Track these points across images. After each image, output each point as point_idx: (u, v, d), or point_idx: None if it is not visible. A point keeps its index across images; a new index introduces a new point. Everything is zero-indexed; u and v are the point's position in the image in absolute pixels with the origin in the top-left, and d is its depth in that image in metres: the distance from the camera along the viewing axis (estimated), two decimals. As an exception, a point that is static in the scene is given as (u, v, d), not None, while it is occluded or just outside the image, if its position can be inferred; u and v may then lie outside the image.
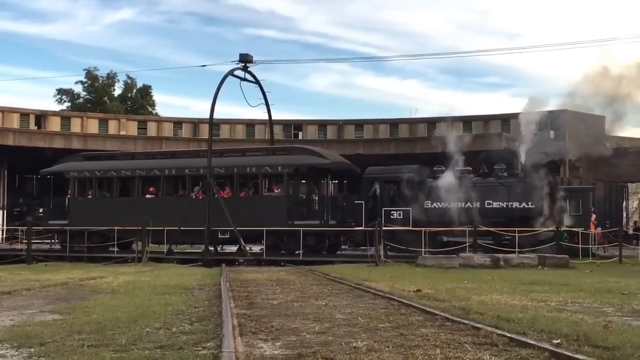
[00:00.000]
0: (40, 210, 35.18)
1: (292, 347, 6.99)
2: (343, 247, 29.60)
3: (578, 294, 12.95)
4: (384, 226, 24.13)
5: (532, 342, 6.90)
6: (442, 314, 9.34)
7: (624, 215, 33.98)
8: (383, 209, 25.47)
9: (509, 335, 7.38)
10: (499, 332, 7.60)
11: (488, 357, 6.32)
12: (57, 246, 30.88)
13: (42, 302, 12.34)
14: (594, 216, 26.33)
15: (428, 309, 9.89)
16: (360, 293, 12.98)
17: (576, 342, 7.09)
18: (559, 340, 7.09)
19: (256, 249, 28.39)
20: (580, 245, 24.13)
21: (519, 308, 10.43)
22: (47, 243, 32.12)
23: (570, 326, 8.24)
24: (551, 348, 6.61)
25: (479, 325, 8.15)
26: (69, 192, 30.82)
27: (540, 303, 11.41)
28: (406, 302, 10.93)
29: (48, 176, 40.03)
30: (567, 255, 21.94)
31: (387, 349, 6.77)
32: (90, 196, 30.27)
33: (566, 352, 6.38)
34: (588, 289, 13.98)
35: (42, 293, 14.04)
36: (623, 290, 13.83)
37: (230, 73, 29.41)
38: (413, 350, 6.64)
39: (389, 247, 24.82)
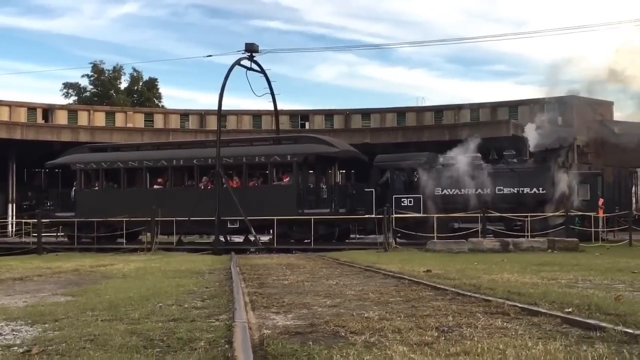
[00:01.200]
0: (49, 203, 35.21)
1: (304, 319, 7.02)
2: (352, 235, 29.64)
3: (588, 273, 12.93)
4: (395, 213, 24.19)
5: (544, 311, 6.90)
6: (453, 289, 9.35)
7: (634, 200, 33.87)
8: (394, 197, 25.51)
9: (520, 305, 7.38)
10: (510, 303, 7.60)
11: (500, 323, 6.33)
12: (65, 239, 30.95)
13: (54, 286, 12.40)
14: (601, 200, 26.35)
15: (439, 286, 9.90)
16: (371, 274, 13.00)
17: (587, 311, 7.08)
18: (570, 309, 7.10)
19: (264, 238, 28.43)
20: (592, 229, 24.12)
21: (529, 285, 10.42)
22: (54, 236, 32.12)
23: (581, 299, 8.23)
24: (563, 315, 6.61)
25: (490, 298, 8.15)
26: (75, 183, 30.89)
27: (550, 281, 11.39)
28: (416, 280, 10.95)
29: (56, 170, 40.21)
30: (577, 239, 21.94)
31: (399, 318, 6.79)
32: (97, 188, 30.35)
33: (578, 318, 6.38)
34: (598, 268, 13.95)
35: (53, 279, 14.10)
36: (633, 269, 13.79)
37: (237, 62, 29.46)
38: (425, 319, 6.66)
39: (399, 234, 24.91)
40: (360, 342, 5.42)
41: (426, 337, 5.53)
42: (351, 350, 4.88)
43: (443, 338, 5.51)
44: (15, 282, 13.15)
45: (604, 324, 5.89)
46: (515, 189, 24.50)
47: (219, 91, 28.92)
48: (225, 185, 27.28)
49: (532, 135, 25.44)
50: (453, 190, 24.94)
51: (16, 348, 5.87)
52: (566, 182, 24.47)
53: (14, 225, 37.77)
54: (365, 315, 7.04)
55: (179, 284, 11.56)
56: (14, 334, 6.72)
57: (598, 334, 5.58)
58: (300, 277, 12.29)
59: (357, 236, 29.63)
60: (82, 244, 28.39)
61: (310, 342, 5.40)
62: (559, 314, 6.65)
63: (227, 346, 5.30)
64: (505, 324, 6.31)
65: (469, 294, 8.76)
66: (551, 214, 23.71)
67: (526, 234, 22.89)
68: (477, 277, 11.86)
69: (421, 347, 5.07)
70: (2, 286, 12.43)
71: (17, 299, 10.19)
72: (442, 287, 9.73)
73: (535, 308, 7.14)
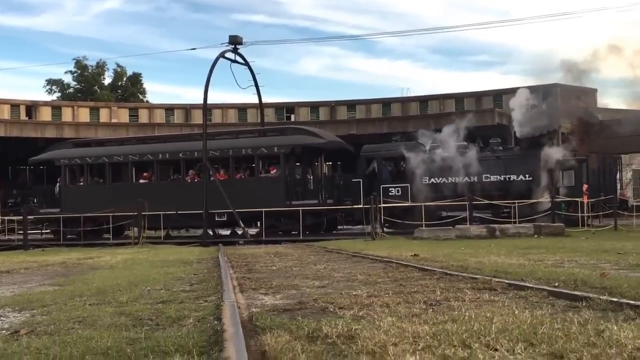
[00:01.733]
0: (35, 200, 34.91)
1: (292, 298, 7.04)
2: (339, 226, 29.67)
3: (574, 254, 13.03)
4: (383, 203, 24.26)
5: (530, 285, 6.96)
6: (440, 269, 9.40)
7: (618, 186, 34.10)
8: (381, 186, 25.57)
9: (507, 281, 7.45)
10: (497, 279, 7.66)
11: (487, 296, 6.38)
12: (50, 235, 30.70)
13: (41, 277, 12.35)
14: (585, 186, 26.55)
15: (426, 267, 9.96)
16: (359, 259, 13.04)
17: (574, 285, 7.15)
18: (557, 284, 7.16)
19: (252, 231, 28.37)
20: (580, 214, 24.30)
21: (516, 265, 10.50)
22: (39, 233, 31.80)
23: (567, 276, 8.29)
24: (549, 288, 6.67)
25: (477, 276, 8.22)
26: (60, 179, 30.65)
27: (537, 262, 11.46)
28: (404, 263, 11.00)
29: (41, 167, 39.91)
30: (563, 224, 22.11)
31: (387, 295, 6.82)
32: (82, 183, 30.14)
33: (564, 290, 6.44)
34: (584, 250, 14.06)
35: (40, 271, 14.03)
36: (619, 250, 13.92)
37: (222, 55, 29.35)
38: (412, 295, 6.70)
39: (386, 224, 25.01)
40: (348, 315, 5.45)
41: (414, 310, 5.57)
42: (340, 321, 4.91)
43: (431, 310, 5.55)
44: (2, 275, 13.08)
45: (589, 295, 5.94)
46: (502, 176, 24.72)
47: (204, 85, 28.82)
48: (212, 178, 27.21)
49: (517, 122, 25.66)
50: (440, 178, 25.09)
51: (4, 332, 5.85)
52: (551, 169, 24.65)
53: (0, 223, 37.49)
54: (354, 293, 7.07)
55: (167, 272, 11.54)
56: (1, 320, 6.69)
57: (584, 304, 5.63)
58: (288, 264, 12.31)
59: (345, 227, 29.66)
60: (67, 240, 28.19)
61: (299, 317, 5.42)
62: (545, 287, 6.72)
63: (216, 322, 5.31)
64: (492, 297, 6.37)
65: (457, 273, 8.82)
66: (537, 200, 23.90)
67: (513, 220, 23.04)
68: (464, 259, 11.93)
69: (409, 318, 5.10)
70: (-11, 278, 12.37)
71: (4, 290, 10.14)
72: (429, 268, 9.78)
73: (522, 283, 7.20)
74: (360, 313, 5.55)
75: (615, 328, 4.19)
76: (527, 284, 7.10)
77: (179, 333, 4.86)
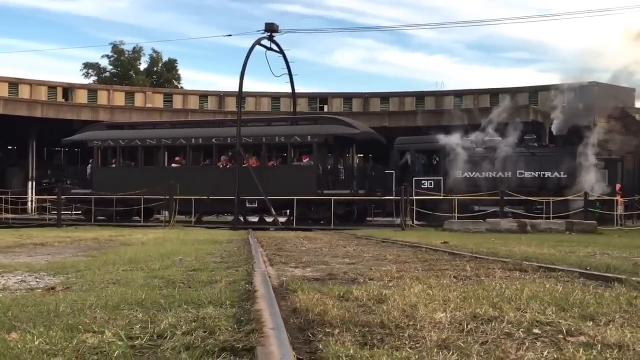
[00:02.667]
0: (69, 181, 35.35)
1: (322, 272, 7.08)
2: (368, 219, 29.65)
3: (607, 248, 12.88)
4: (415, 195, 24.25)
5: (562, 268, 6.92)
6: (470, 254, 9.38)
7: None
8: (414, 179, 25.51)
9: (537, 264, 7.41)
10: (528, 262, 7.63)
11: (518, 275, 6.36)
12: (81, 216, 31.04)
13: (75, 250, 12.56)
14: (618, 186, 26.23)
15: (456, 252, 9.94)
16: (388, 244, 13.05)
17: (606, 270, 7.10)
18: (588, 268, 7.11)
19: (282, 219, 28.46)
20: (615, 212, 24.04)
21: (547, 254, 10.42)
22: (70, 213, 32.17)
23: (599, 263, 8.24)
24: (581, 270, 6.63)
25: (507, 260, 8.19)
26: (92, 161, 30.97)
27: (568, 253, 11.36)
28: (433, 248, 10.98)
29: (75, 149, 40.45)
30: (595, 222, 21.85)
31: (416, 271, 6.84)
32: (114, 165, 30.42)
33: (596, 272, 6.40)
34: (617, 245, 13.89)
35: (73, 244, 14.26)
36: (652, 247, 13.74)
37: (258, 42, 29.44)
38: (443, 271, 6.70)
39: (417, 217, 24.95)
40: (378, 284, 5.48)
41: (444, 282, 5.58)
42: (370, 287, 4.94)
43: (461, 282, 5.56)
44: (37, 247, 13.35)
45: (621, 276, 5.90)
46: (537, 172, 24.57)
47: (240, 72, 28.95)
48: (245, 164, 27.33)
49: (555, 119, 25.55)
50: (474, 173, 24.97)
51: (39, 290, 5.98)
52: (586, 167, 24.42)
53: (34, 202, 38.14)
54: (383, 269, 7.10)
55: (198, 248, 11.67)
56: (37, 281, 6.84)
57: (616, 285, 5.59)
58: (317, 245, 12.38)
59: (375, 219, 29.63)
60: (98, 221, 28.50)
61: (330, 284, 5.46)
62: (577, 270, 6.67)
63: (247, 285, 5.38)
64: (522, 275, 6.35)
65: (486, 257, 8.79)
66: (570, 197, 23.66)
67: (546, 216, 22.86)
68: (494, 248, 11.86)
69: (439, 287, 5.11)
70: (24, 249, 12.61)
71: (39, 259, 10.34)
72: (459, 252, 9.76)
73: (553, 266, 7.16)
74: (390, 284, 5.57)
75: (649, 298, 4.17)
76: (558, 267, 7.07)
77: (212, 291, 4.93)
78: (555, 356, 2.82)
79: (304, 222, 26.81)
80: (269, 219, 28.22)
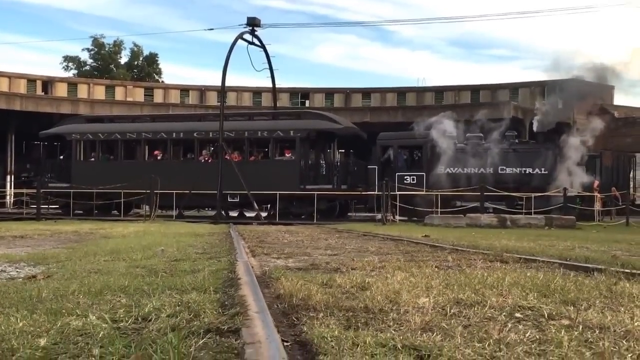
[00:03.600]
0: (49, 175, 34.98)
1: (305, 262, 7.10)
2: (350, 214, 29.70)
3: (585, 242, 13.02)
4: (397, 190, 24.34)
5: (542, 259, 7.00)
6: (451, 246, 9.44)
7: (631, 184, 33.97)
8: (397, 174, 25.61)
9: (517, 255, 7.48)
10: (508, 254, 7.70)
11: (498, 265, 6.42)
12: (59, 210, 30.70)
13: (55, 242, 12.47)
14: (596, 182, 26.51)
15: (437, 244, 10.00)
16: (369, 238, 13.09)
17: (585, 262, 7.18)
18: (568, 259, 7.19)
19: (263, 214, 28.41)
20: (595, 208, 24.32)
21: (527, 248, 10.52)
22: (46, 208, 31.73)
23: (579, 256, 8.33)
24: (561, 261, 6.70)
25: (487, 252, 8.25)
26: (70, 154, 30.63)
27: (548, 246, 11.48)
28: (414, 241, 11.04)
29: (54, 142, 40.06)
30: (574, 217, 22.08)
31: (399, 261, 6.87)
32: (93, 159, 30.14)
33: (576, 263, 6.47)
34: (596, 239, 14.04)
35: (53, 237, 14.16)
36: (630, 241, 13.90)
37: (240, 36, 29.37)
38: (425, 262, 6.74)
39: (395, 212, 25.03)
40: (361, 273, 5.50)
41: (426, 271, 5.61)
42: (353, 276, 4.96)
43: (443, 271, 5.60)
44: (15, 239, 13.24)
45: (601, 267, 5.97)
46: (518, 169, 24.79)
47: (221, 66, 28.83)
48: (227, 158, 27.25)
49: (536, 116, 25.81)
50: (456, 169, 25.12)
51: (20, 279, 5.94)
52: (566, 164, 24.68)
53: (12, 196, 37.78)
54: (366, 259, 7.13)
55: (179, 240, 11.64)
56: (17, 271, 6.79)
57: (595, 274, 5.66)
58: (299, 238, 12.40)
59: (357, 214, 29.70)
60: (76, 215, 28.23)
61: (313, 273, 5.48)
62: (556, 261, 6.74)
63: (230, 274, 5.38)
64: (503, 266, 6.40)
65: (467, 249, 8.85)
66: (550, 193, 23.90)
67: (525, 211, 23.07)
68: (475, 241, 11.95)
69: (421, 275, 5.15)
70: (2, 242, 12.50)
71: (18, 250, 10.25)
72: (440, 245, 9.82)
73: (533, 257, 7.23)
74: (373, 273, 5.60)
75: (628, 285, 4.23)
76: (538, 258, 7.14)
77: (195, 279, 4.93)
78: (538, 337, 2.87)
79: (286, 217, 26.82)
80: (250, 214, 28.18)
